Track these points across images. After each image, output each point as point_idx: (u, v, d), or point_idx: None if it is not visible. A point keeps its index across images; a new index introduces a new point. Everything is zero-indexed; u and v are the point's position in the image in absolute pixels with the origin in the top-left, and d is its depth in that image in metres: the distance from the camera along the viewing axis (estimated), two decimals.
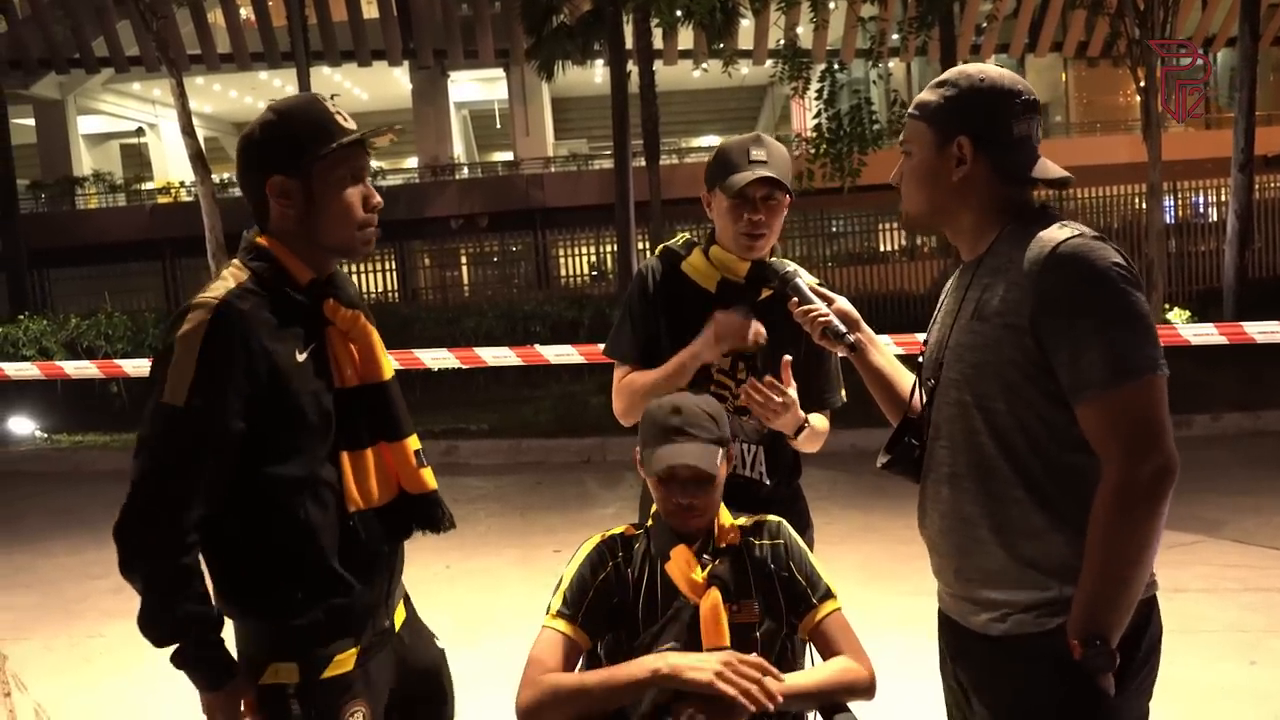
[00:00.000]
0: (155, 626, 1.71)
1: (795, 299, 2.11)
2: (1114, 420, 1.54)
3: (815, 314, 2.04)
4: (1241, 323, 6.33)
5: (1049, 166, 1.73)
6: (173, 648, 1.72)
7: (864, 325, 2.05)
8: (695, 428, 1.96)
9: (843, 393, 2.58)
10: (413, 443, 1.90)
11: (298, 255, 1.78)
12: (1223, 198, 15.88)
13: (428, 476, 1.91)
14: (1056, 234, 1.62)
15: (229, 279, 1.75)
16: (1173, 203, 16.48)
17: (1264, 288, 12.92)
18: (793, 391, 2.25)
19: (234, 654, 1.77)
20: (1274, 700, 3.51)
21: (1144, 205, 16.66)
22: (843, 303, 2.06)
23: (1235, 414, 7.95)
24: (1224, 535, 5.28)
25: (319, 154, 1.73)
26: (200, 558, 1.71)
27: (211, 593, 1.77)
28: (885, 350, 2.06)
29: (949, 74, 1.77)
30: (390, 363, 1.92)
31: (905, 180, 1.80)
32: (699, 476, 1.95)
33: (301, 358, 1.75)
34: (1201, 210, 17.95)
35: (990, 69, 1.74)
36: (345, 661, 1.79)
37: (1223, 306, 11.14)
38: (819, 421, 2.44)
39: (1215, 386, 8.33)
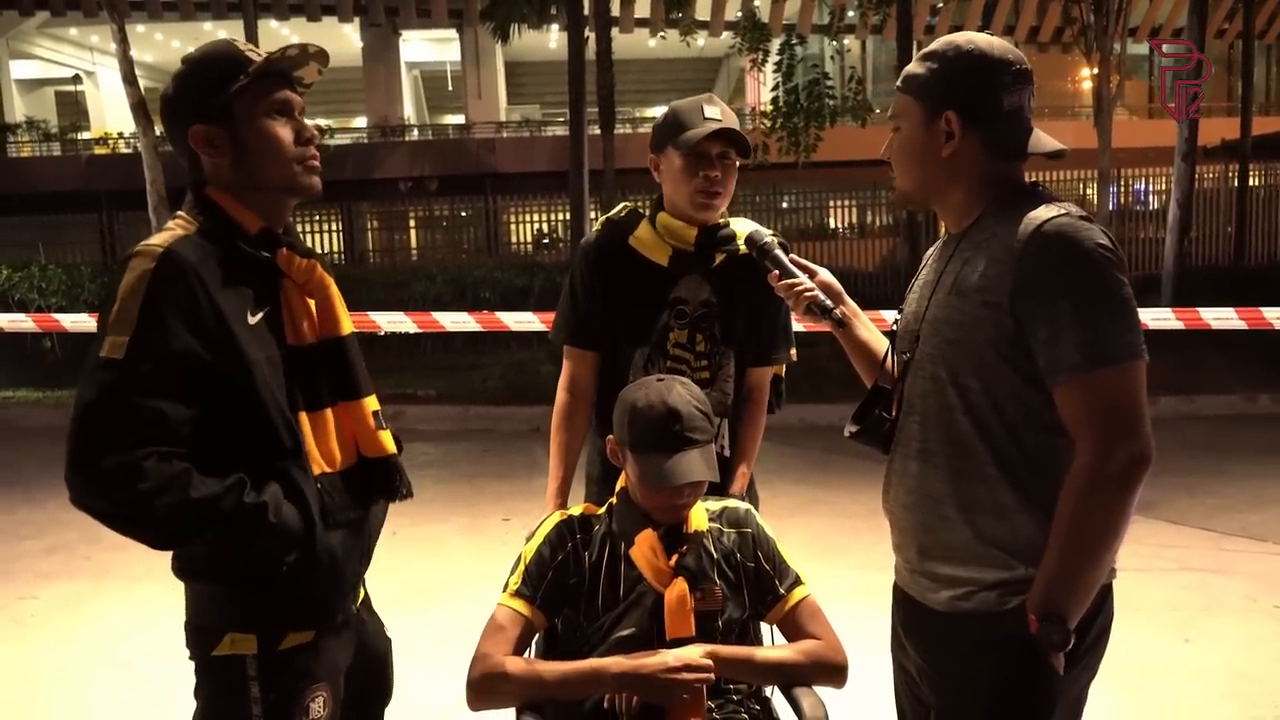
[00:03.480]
0: (245, 548, 1.60)
1: (776, 272, 2.03)
2: (1089, 405, 1.52)
3: (799, 288, 1.96)
4: (1198, 308, 6.46)
5: (1043, 139, 1.68)
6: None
7: (847, 298, 2.00)
8: (695, 431, 1.89)
9: (793, 351, 2.55)
10: (371, 403, 1.80)
11: (246, 205, 1.70)
12: (1164, 186, 16.23)
13: (386, 440, 1.80)
14: (1043, 212, 1.57)
15: (175, 229, 1.65)
16: (1115, 189, 16.79)
17: (1200, 276, 13.21)
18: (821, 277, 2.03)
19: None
20: (1208, 677, 3.62)
21: (1088, 191, 16.99)
22: (825, 274, 2.00)
23: (1171, 398, 8.14)
24: (1158, 516, 5.41)
25: (232, 91, 1.64)
26: (172, 460, 1.54)
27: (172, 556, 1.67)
28: (869, 323, 2.01)
29: (936, 44, 1.70)
30: (348, 318, 1.82)
31: (895, 156, 1.75)
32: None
33: (254, 320, 1.65)
34: (1142, 198, 18.33)
35: (980, 37, 1.68)
36: (305, 633, 1.71)
37: (1161, 293, 11.38)
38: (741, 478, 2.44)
39: (1151, 370, 8.50)
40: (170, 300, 1.55)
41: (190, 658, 1.72)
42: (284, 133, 1.69)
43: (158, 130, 12.24)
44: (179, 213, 1.70)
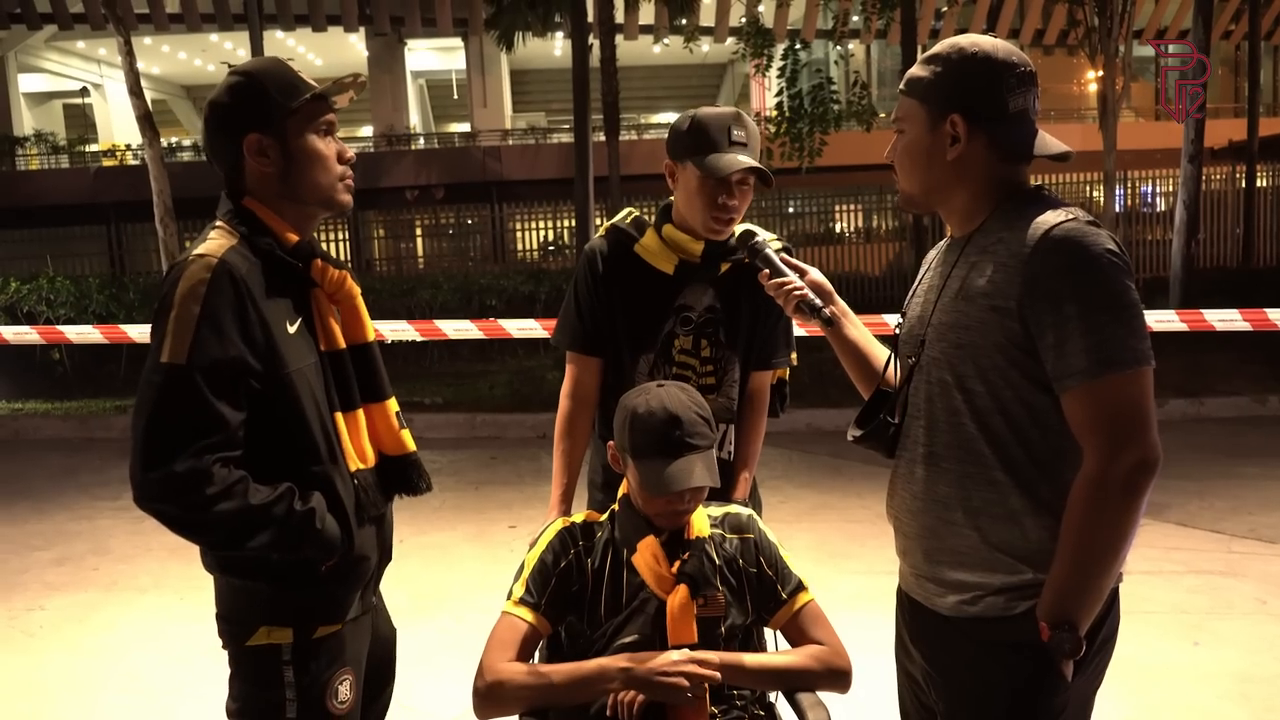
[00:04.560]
0: (290, 553, 1.67)
1: (766, 271, 2.02)
2: (1096, 410, 1.51)
3: (789, 287, 1.95)
4: (1202, 310, 6.43)
5: (1048, 141, 1.67)
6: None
7: (837, 297, 1.99)
8: (696, 437, 1.88)
9: (793, 355, 2.55)
10: (393, 404, 1.91)
11: (281, 216, 1.77)
12: (1170, 188, 16.21)
13: (407, 438, 1.91)
14: (1050, 217, 1.57)
15: (220, 239, 1.71)
16: (1122, 192, 16.77)
17: (1208, 278, 13.17)
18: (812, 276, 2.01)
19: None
20: (1216, 680, 3.60)
21: (1094, 193, 16.97)
22: (815, 274, 1.98)
23: (1179, 400, 8.11)
24: (1168, 518, 5.39)
25: (291, 107, 1.73)
26: (231, 466, 1.63)
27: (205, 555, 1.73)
28: (859, 323, 2.00)
29: (939, 47, 1.69)
30: (372, 325, 1.92)
31: (899, 160, 1.73)
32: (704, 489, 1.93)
33: (293, 330, 1.73)
34: (1149, 200, 18.30)
35: (983, 39, 1.67)
36: (335, 624, 1.79)
37: (1169, 295, 11.35)
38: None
39: (1160, 373, 8.46)
40: (226, 309, 1.63)
41: (223, 647, 1.79)
42: (330, 151, 1.79)
43: (164, 142, 12.32)
44: (218, 222, 1.76)
